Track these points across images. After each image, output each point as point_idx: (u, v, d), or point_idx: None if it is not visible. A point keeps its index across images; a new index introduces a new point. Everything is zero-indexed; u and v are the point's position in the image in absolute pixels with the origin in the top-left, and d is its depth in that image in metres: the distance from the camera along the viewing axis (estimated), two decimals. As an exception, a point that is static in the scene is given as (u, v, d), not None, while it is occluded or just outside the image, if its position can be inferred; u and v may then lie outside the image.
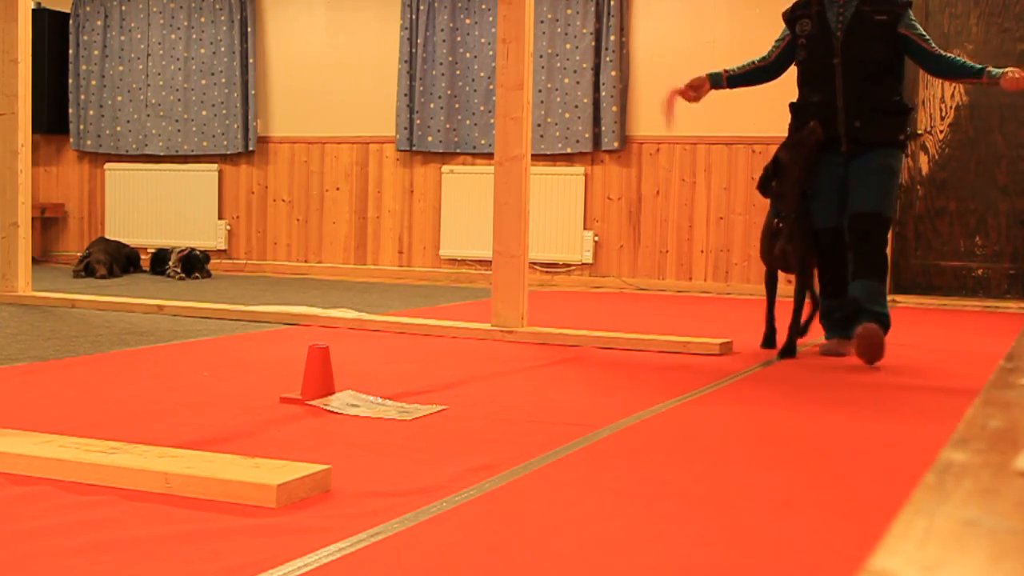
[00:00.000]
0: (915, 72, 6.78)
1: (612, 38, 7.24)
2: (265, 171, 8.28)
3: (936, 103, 6.74)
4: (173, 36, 8.38)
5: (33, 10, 6.02)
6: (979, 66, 4.02)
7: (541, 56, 7.39)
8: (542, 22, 7.37)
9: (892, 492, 2.16)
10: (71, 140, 8.70)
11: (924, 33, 4.10)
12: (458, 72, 7.69)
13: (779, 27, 4.31)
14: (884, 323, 4.03)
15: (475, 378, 3.54)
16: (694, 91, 4.32)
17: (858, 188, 4.08)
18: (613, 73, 7.24)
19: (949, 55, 4.10)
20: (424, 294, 6.65)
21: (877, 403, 3.23)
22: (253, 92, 8.16)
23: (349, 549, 1.75)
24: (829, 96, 4.09)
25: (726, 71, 4.34)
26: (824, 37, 4.11)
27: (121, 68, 8.52)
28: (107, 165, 8.62)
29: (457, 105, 7.70)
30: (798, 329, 4.19)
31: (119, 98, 8.53)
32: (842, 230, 4.12)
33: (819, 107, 4.12)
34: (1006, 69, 3.95)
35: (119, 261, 7.63)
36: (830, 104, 4.09)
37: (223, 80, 8.24)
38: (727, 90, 4.41)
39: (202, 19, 8.31)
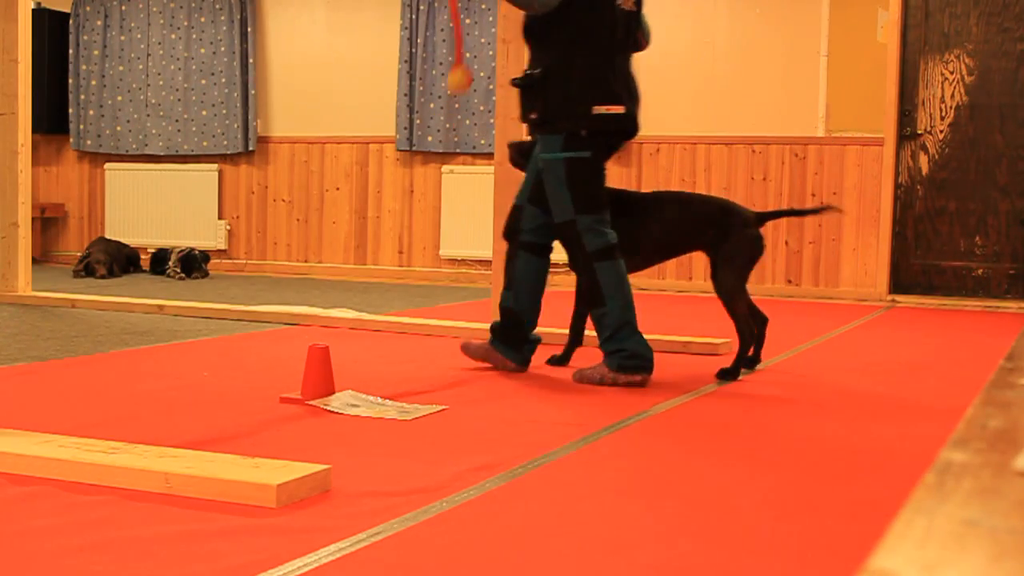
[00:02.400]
0: (915, 72, 6.78)
1: (612, 38, 7.24)
2: (265, 171, 8.28)
3: (936, 103, 6.74)
4: (173, 36, 8.38)
5: (33, 10, 6.02)
6: None
7: (541, 56, 7.38)
8: (542, 22, 7.36)
9: (892, 492, 2.16)
10: (71, 140, 8.69)
11: None
12: (458, 72, 7.68)
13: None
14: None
15: (475, 378, 3.54)
16: None
17: None
18: (613, 73, 7.24)
19: None
20: (424, 294, 6.65)
21: (876, 403, 3.23)
22: (253, 92, 8.16)
23: (349, 549, 1.75)
24: None
25: None
26: None
27: (121, 68, 8.52)
28: (107, 165, 8.61)
29: (457, 105, 7.70)
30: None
31: (119, 98, 8.53)
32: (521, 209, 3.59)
33: None
34: None
35: (119, 261, 7.63)
36: None
37: (223, 80, 8.24)
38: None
39: (202, 19, 8.31)
